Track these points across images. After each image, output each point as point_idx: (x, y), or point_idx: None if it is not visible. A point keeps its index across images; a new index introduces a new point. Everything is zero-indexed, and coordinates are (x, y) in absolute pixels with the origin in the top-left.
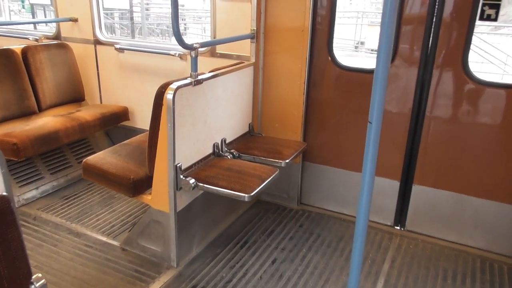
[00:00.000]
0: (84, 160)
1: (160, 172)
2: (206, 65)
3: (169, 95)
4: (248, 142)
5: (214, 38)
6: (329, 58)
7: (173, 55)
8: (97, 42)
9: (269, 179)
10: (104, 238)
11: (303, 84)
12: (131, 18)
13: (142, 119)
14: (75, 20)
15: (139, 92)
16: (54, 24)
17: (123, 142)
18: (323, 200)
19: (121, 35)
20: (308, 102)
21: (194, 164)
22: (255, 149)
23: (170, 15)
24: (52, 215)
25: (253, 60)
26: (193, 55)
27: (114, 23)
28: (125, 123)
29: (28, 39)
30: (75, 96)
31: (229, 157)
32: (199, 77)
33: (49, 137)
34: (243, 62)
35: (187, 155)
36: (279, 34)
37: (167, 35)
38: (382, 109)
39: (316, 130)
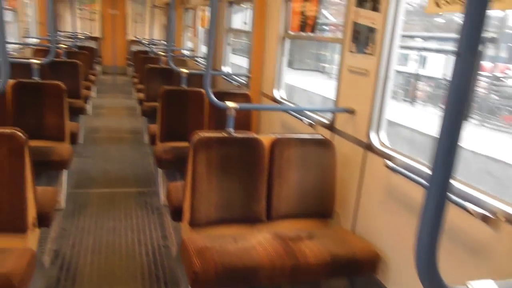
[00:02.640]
0: None
1: None
2: None
3: None
4: None
5: None
6: None
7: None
8: (368, 147)
9: None
10: None
11: None
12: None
13: (396, 278)
14: (351, 112)
15: (401, 236)
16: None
17: None
18: None
19: None
20: None
21: None
22: None
23: None
24: None
25: None
26: None
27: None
28: (372, 274)
29: (302, 121)
30: (320, 210)
31: None
32: None
33: (243, 273)
34: None
35: None
36: None
37: None
38: None
39: None
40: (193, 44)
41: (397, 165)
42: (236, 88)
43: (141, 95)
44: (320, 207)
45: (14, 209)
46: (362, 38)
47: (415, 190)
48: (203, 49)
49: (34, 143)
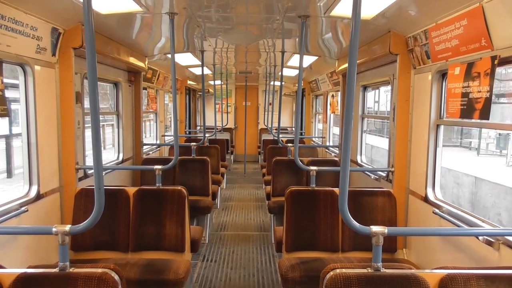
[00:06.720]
0: None
1: None
2: None
3: None
4: None
5: None
6: None
7: None
8: None
9: None
10: None
11: None
12: None
13: None
14: None
15: None
16: None
17: None
18: None
19: None
20: None
21: None
22: None
23: None
24: None
25: None
26: None
27: None
28: None
29: (478, 239)
30: None
31: None
32: None
33: None
34: None
35: None
36: None
37: None
38: None
39: None
40: (323, 131)
41: None
42: (375, 183)
43: (268, 188)
44: None
45: None
46: None
47: None
48: (332, 133)
49: (151, 255)
